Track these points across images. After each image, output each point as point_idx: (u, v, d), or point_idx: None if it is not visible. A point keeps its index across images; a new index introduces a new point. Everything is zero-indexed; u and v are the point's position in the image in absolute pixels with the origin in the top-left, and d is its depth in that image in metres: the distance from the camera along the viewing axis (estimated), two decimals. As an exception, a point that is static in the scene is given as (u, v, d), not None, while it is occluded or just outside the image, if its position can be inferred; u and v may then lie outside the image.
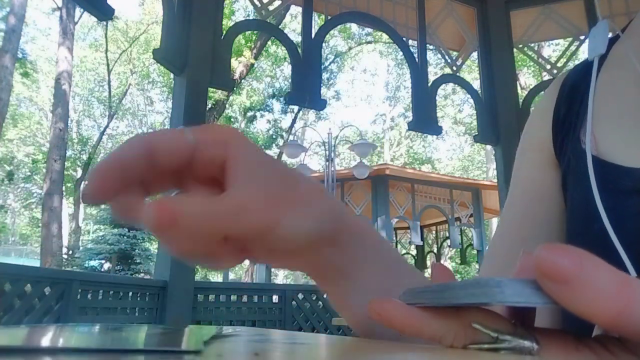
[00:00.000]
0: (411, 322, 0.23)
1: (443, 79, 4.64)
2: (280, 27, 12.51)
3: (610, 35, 0.50)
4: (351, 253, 0.33)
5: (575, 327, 0.26)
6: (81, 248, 14.88)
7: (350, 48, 25.13)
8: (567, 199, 0.48)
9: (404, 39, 4.26)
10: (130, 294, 3.16)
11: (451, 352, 0.22)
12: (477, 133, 4.38)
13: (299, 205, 0.28)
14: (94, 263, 12.82)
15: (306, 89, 3.71)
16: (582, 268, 0.18)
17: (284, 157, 20.27)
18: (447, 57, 4.49)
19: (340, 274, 0.34)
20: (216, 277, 21.34)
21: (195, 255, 0.27)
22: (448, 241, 9.97)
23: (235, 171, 0.26)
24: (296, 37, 4.11)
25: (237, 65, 15.87)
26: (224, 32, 3.70)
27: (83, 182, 22.42)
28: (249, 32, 14.72)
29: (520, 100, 4.41)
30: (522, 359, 0.21)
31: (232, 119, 22.98)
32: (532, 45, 4.74)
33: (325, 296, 4.33)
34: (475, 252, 10.20)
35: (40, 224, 15.18)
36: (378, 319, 0.24)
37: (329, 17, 4.07)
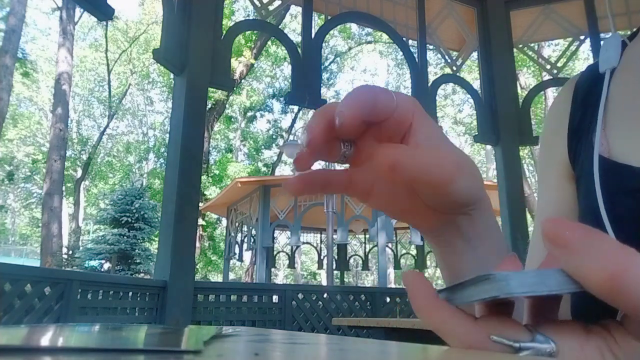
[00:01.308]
0: (448, 324, 0.24)
1: (443, 79, 4.64)
2: (280, 27, 12.52)
3: (611, 34, 0.50)
4: (478, 224, 0.36)
5: (584, 316, 0.27)
6: (81, 248, 14.88)
7: (350, 48, 25.13)
8: (579, 203, 0.49)
9: (404, 39, 4.26)
10: (130, 294, 3.16)
11: (456, 352, 0.22)
12: (477, 133, 4.38)
13: (467, 171, 0.31)
14: (94, 263, 12.81)
15: (306, 89, 3.71)
16: (582, 236, 0.21)
17: (284, 157, 20.21)
18: (447, 57, 4.49)
19: (463, 238, 0.36)
20: (216, 277, 21.35)
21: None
22: (448, 241, 9.95)
23: (422, 137, 0.31)
24: (296, 37, 4.11)
25: (237, 65, 15.87)
26: (224, 32, 3.70)
27: (83, 182, 22.43)
28: (249, 32, 14.72)
29: (520, 100, 4.41)
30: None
31: (232, 119, 23.00)
32: (532, 45, 4.74)
33: (325, 296, 4.31)
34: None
35: (40, 224, 15.18)
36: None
37: (329, 17, 4.07)
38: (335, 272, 10.57)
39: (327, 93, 25.78)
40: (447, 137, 0.33)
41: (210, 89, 3.93)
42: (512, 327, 0.23)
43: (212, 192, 17.54)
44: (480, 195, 0.34)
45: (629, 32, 0.53)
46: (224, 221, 14.60)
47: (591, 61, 0.54)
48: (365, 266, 12.80)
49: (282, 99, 22.36)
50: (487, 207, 0.36)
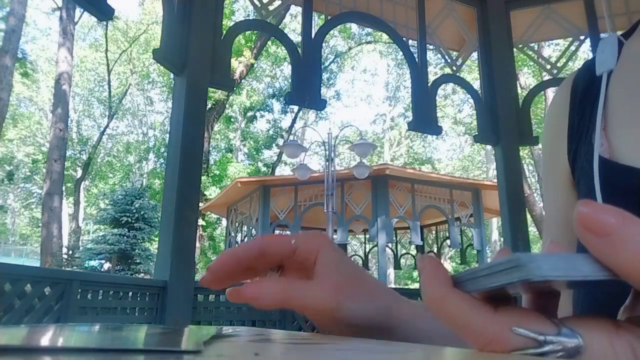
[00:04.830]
0: (463, 313, 0.22)
1: (443, 79, 4.64)
2: (280, 27, 12.51)
3: (619, 33, 0.49)
4: (404, 311, 0.40)
5: (588, 306, 0.26)
6: (81, 248, 14.88)
7: (350, 48, 25.13)
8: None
9: (404, 39, 4.26)
10: (130, 294, 3.16)
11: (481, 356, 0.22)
12: (477, 133, 4.38)
13: (361, 296, 0.37)
14: (94, 263, 12.82)
15: (306, 89, 3.71)
16: (623, 222, 0.19)
17: (284, 157, 20.22)
18: (447, 57, 4.49)
19: (401, 325, 0.39)
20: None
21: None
22: (448, 241, 9.97)
23: (319, 269, 0.37)
24: (296, 37, 4.11)
25: (237, 65, 15.86)
26: (224, 32, 3.69)
27: (83, 182, 22.42)
28: (249, 32, 14.71)
29: (520, 100, 4.41)
30: None
31: (232, 119, 23.00)
32: (532, 45, 4.74)
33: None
34: (475, 252, 10.19)
35: (40, 224, 15.18)
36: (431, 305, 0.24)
37: (329, 17, 4.07)
38: (335, 272, 10.55)
39: (327, 93, 25.80)
40: (350, 264, 0.38)
41: (210, 89, 3.93)
42: (536, 319, 0.21)
43: (212, 192, 17.53)
44: (385, 314, 0.37)
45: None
46: (224, 221, 14.60)
47: (591, 61, 0.53)
48: (365, 266, 12.80)
49: (282, 99, 22.36)
50: (408, 319, 0.39)
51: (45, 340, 0.27)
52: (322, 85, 3.97)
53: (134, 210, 12.76)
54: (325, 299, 0.35)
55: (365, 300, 0.36)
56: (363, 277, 0.38)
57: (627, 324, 0.22)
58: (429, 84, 4.22)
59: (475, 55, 4.66)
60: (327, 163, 7.40)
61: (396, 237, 11.53)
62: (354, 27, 21.87)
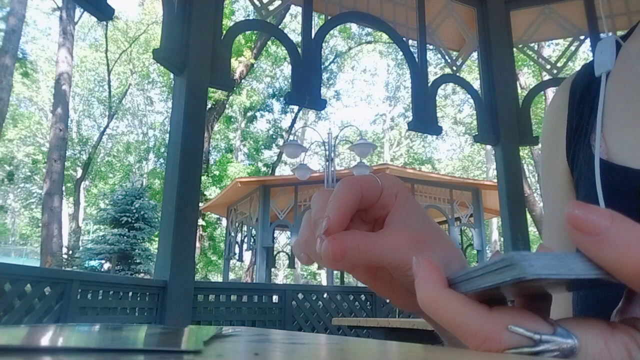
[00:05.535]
0: (457, 313, 0.22)
1: (443, 79, 4.64)
2: (280, 27, 12.52)
3: (617, 33, 0.49)
4: None
5: (586, 313, 0.26)
6: (81, 248, 14.89)
7: (350, 48, 25.14)
8: None
9: (404, 39, 4.26)
10: (130, 294, 3.16)
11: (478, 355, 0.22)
12: (477, 133, 4.38)
13: (435, 252, 0.32)
14: (94, 263, 12.82)
15: (306, 89, 3.71)
16: (611, 221, 0.20)
17: (284, 157, 20.22)
18: (447, 57, 4.49)
19: None
20: (216, 277, 21.35)
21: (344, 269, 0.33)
22: (448, 241, 9.96)
23: (398, 218, 0.32)
24: (296, 37, 4.11)
25: (237, 65, 15.86)
26: (224, 32, 3.69)
27: (83, 182, 22.41)
28: (249, 32, 14.71)
29: (520, 100, 4.41)
30: None
31: (232, 119, 23.00)
32: (532, 45, 4.74)
33: (325, 296, 4.30)
34: (475, 252, 10.19)
35: (40, 224, 15.18)
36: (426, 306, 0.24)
37: (329, 17, 4.07)
38: (335, 272, 10.57)
39: (327, 93, 25.80)
40: (425, 216, 0.34)
41: (210, 89, 3.93)
42: (531, 318, 0.22)
43: (212, 192, 17.54)
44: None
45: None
46: (224, 221, 14.60)
47: (591, 61, 0.54)
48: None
49: (282, 99, 22.37)
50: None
51: (45, 340, 0.27)
52: (322, 85, 3.97)
53: (134, 210, 12.77)
54: (403, 254, 0.31)
55: (441, 257, 0.33)
56: (439, 233, 0.34)
57: (621, 325, 0.22)
58: (429, 84, 4.22)
59: (475, 55, 4.66)
60: (327, 163, 7.41)
61: (396, 237, 11.51)
62: (354, 27, 21.88)
